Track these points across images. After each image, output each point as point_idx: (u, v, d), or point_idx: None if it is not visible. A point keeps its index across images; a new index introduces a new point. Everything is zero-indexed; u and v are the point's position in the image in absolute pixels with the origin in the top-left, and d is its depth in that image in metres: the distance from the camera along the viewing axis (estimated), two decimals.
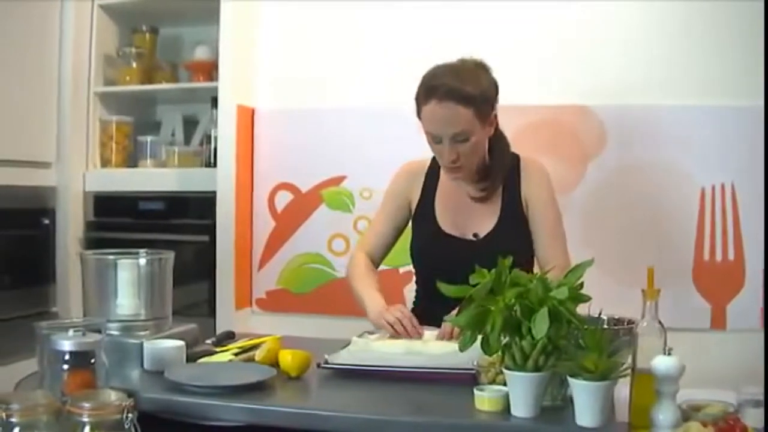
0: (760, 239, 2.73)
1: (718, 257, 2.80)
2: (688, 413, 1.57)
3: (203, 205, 3.12)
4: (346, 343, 1.96)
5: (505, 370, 1.48)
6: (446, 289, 1.55)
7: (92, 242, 3.22)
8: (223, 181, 3.06)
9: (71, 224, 3.20)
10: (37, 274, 3.11)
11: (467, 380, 1.65)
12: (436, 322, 2.03)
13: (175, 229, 3.14)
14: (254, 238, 3.21)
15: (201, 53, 3.26)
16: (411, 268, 2.52)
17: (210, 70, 3.24)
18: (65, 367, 1.58)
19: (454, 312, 1.89)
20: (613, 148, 2.85)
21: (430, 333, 2.00)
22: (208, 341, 2.05)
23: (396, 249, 2.37)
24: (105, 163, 3.33)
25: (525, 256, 2.17)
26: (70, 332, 1.60)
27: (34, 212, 3.10)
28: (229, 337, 2.13)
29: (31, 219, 3.09)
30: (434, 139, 2.11)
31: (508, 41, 2.91)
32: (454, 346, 1.86)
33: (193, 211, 3.17)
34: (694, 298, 2.79)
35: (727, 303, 2.79)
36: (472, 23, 2.96)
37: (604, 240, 2.83)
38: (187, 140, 3.48)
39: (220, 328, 2.71)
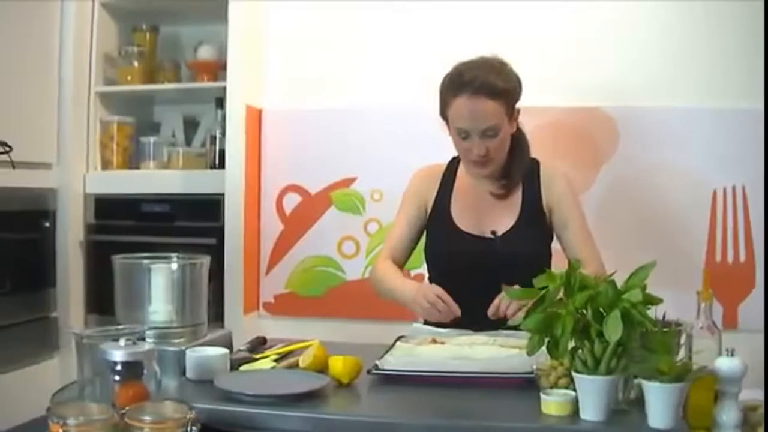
0: None
1: (730, 258, 2.83)
2: (744, 413, 1.58)
3: (209, 207, 3.06)
4: (387, 348, 1.92)
5: (574, 374, 1.47)
6: (513, 293, 1.52)
7: (93, 245, 3.14)
8: (231, 183, 3.00)
9: (72, 227, 3.12)
10: (37, 278, 3.03)
11: (520, 384, 1.64)
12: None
13: (180, 232, 3.07)
14: (262, 241, 3.16)
15: (205, 53, 3.20)
16: (422, 271, 2.51)
17: (215, 70, 3.19)
18: (117, 378, 1.52)
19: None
20: (626, 149, 2.87)
21: (466, 338, 1.95)
22: (242, 347, 2.00)
23: None
24: (106, 164, 3.24)
25: (543, 257, 2.18)
26: (122, 341, 1.54)
27: (34, 214, 3.00)
28: (262, 343, 2.09)
29: (31, 221, 3.00)
30: (461, 135, 2.11)
31: (520, 42, 2.87)
32: (501, 350, 1.85)
33: (198, 214, 3.10)
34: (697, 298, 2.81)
35: (738, 303, 2.82)
36: (483, 24, 2.95)
37: (617, 241, 2.82)
38: (188, 141, 3.42)
39: None
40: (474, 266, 2.13)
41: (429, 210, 2.26)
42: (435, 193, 2.26)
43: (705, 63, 2.81)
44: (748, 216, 2.81)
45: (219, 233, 3.04)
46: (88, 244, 3.17)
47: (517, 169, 2.19)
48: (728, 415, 1.54)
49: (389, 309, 2.66)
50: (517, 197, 2.19)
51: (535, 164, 2.23)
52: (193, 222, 3.10)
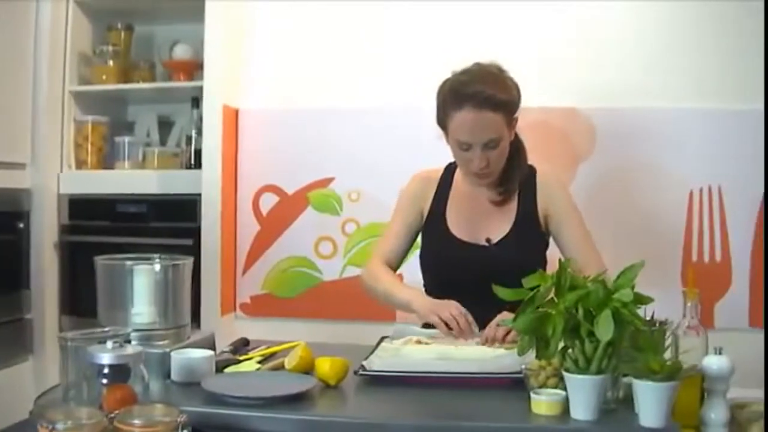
0: (746, 240, 2.81)
1: (706, 258, 2.86)
2: (733, 411, 1.59)
3: (185, 207, 3.03)
4: (372, 348, 1.92)
5: (565, 374, 1.47)
6: (503, 293, 1.52)
7: (68, 246, 3.10)
8: (208, 183, 2.97)
9: (46, 227, 3.07)
10: (11, 280, 2.97)
11: (507, 385, 1.64)
12: None
13: (156, 233, 3.04)
14: (238, 242, 3.12)
15: (181, 52, 3.16)
16: (401, 271, 2.51)
17: (191, 69, 3.16)
18: (104, 381, 1.50)
19: (501, 316, 1.87)
20: (603, 150, 2.88)
21: (451, 338, 1.95)
22: (226, 349, 1.98)
23: None
24: (80, 164, 3.20)
25: (537, 265, 2.15)
26: (109, 344, 1.51)
27: (7, 215, 2.95)
28: (245, 344, 2.07)
29: (5, 222, 2.95)
30: (462, 147, 2.08)
31: (498, 43, 2.90)
32: (488, 350, 1.85)
33: (174, 214, 3.07)
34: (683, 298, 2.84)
35: (714, 302, 2.85)
36: (462, 25, 2.95)
37: (595, 241, 2.85)
38: (162, 141, 3.38)
39: None
40: (467, 273, 2.11)
41: (425, 214, 2.25)
42: (432, 198, 2.24)
43: (680, 64, 2.83)
44: (725, 216, 2.84)
45: (195, 234, 3.00)
46: (62, 244, 3.12)
47: (515, 176, 2.17)
48: (716, 414, 1.55)
49: (366, 310, 2.67)
50: (513, 204, 2.18)
51: (532, 171, 2.22)
52: (169, 222, 3.08)
